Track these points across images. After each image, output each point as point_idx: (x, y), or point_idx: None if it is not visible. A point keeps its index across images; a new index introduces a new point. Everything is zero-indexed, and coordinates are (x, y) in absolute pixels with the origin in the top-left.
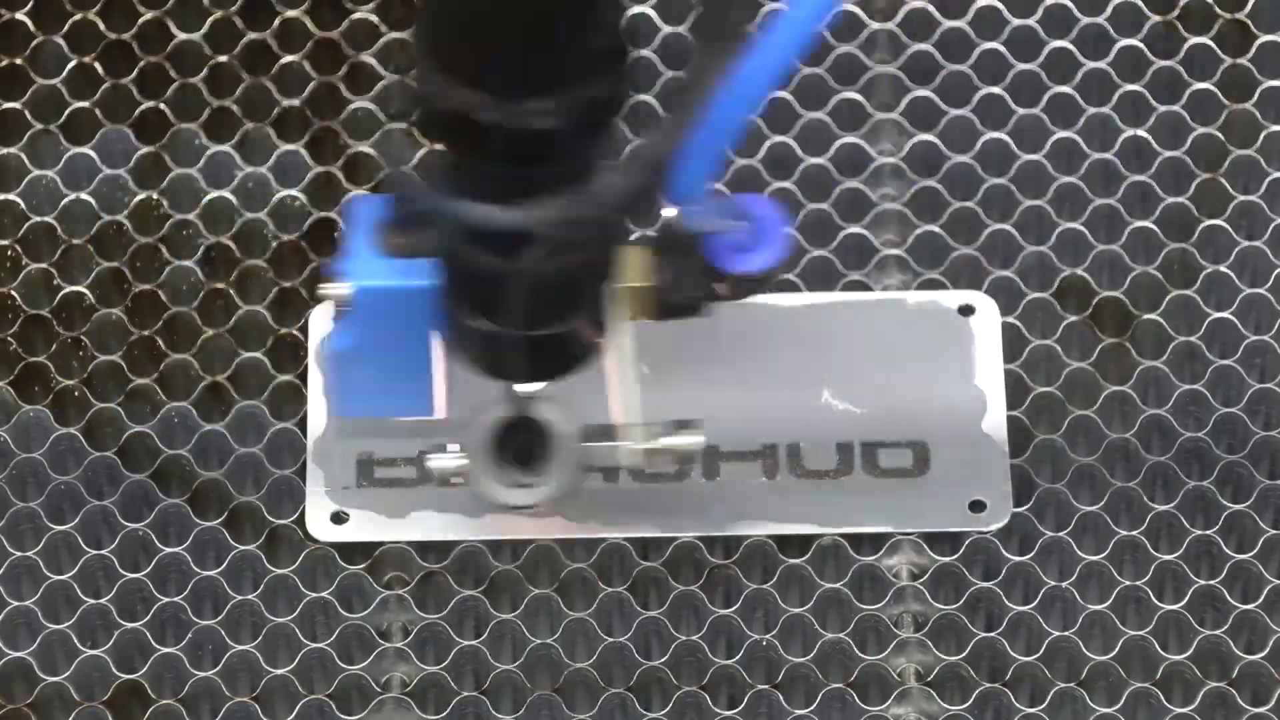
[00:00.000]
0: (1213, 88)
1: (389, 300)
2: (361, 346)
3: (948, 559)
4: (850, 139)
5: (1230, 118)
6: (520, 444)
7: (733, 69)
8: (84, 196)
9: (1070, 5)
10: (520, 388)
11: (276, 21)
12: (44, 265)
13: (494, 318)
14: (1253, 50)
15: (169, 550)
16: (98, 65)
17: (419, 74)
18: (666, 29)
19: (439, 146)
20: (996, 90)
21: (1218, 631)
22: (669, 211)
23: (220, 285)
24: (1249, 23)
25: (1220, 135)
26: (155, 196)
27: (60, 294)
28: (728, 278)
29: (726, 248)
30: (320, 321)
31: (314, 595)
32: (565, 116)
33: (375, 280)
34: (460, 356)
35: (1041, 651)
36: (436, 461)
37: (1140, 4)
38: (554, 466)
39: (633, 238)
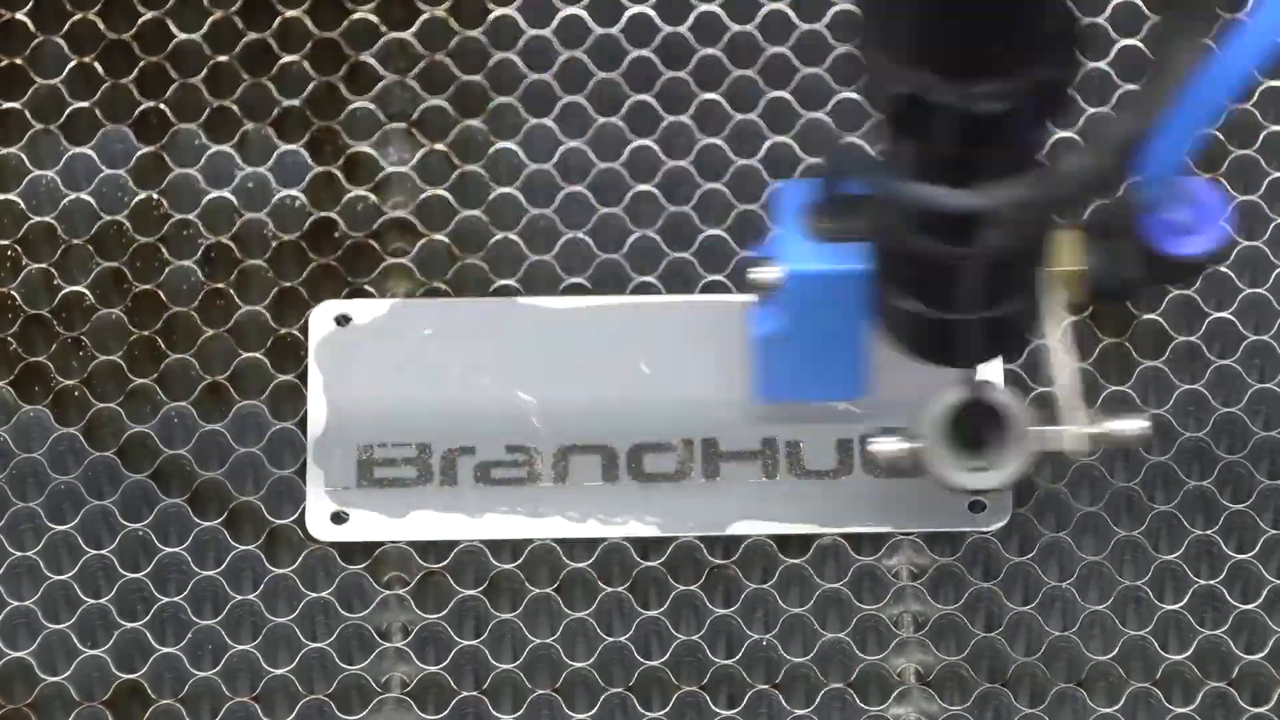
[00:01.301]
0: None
1: (819, 284)
2: (790, 331)
3: (948, 559)
4: (850, 140)
5: (1230, 118)
6: (972, 427)
7: (1211, 50)
8: (84, 196)
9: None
10: (970, 372)
11: (276, 21)
12: (44, 265)
13: (934, 301)
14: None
15: (169, 550)
16: (98, 65)
17: (868, 56)
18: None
19: (884, 128)
20: None
21: (1218, 631)
22: (1126, 194)
23: (220, 285)
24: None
25: (1220, 135)
26: (155, 196)
27: (60, 294)
28: (1164, 261)
29: (1164, 230)
30: (321, 321)
31: (314, 595)
32: (1017, 99)
33: (806, 264)
34: (892, 340)
35: (1041, 651)
36: (879, 446)
37: (1140, 4)
38: (1008, 450)
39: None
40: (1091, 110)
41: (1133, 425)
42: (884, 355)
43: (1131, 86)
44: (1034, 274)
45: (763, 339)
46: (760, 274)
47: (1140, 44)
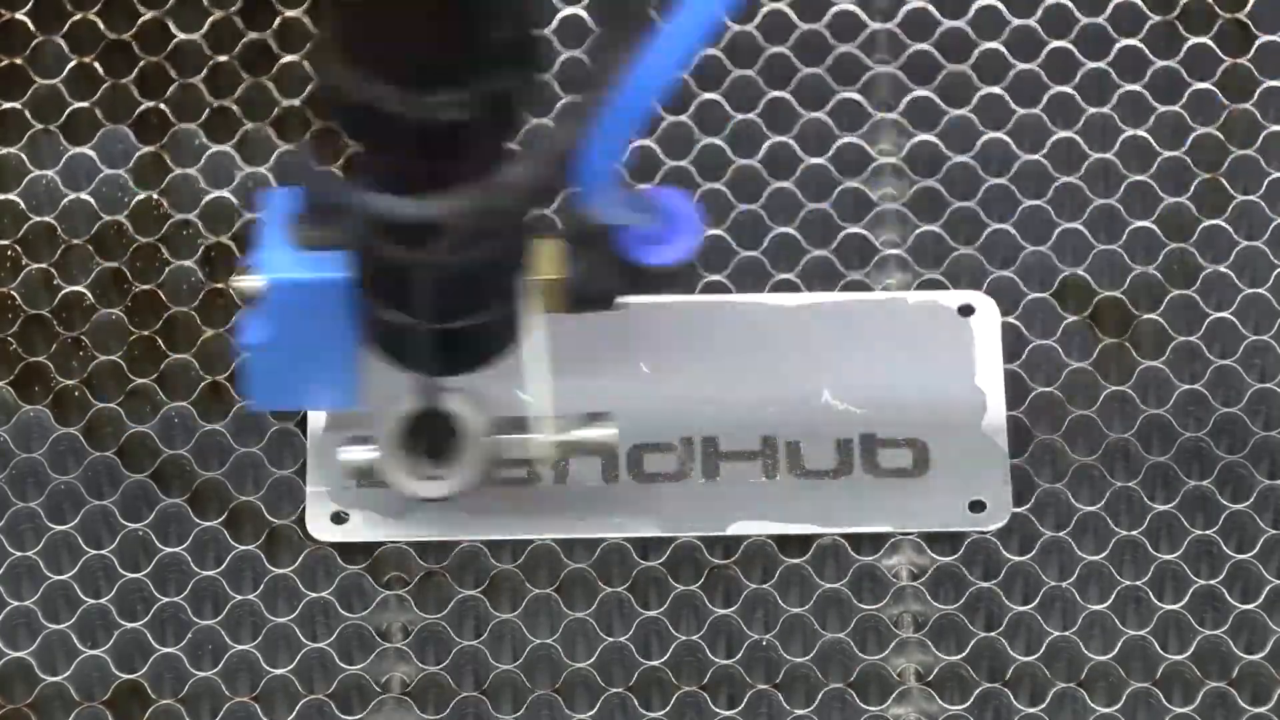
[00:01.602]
0: (1213, 88)
1: (304, 292)
2: (279, 339)
3: (948, 559)
4: (850, 139)
5: (1230, 118)
6: (430, 436)
7: (635, 56)
8: (84, 196)
9: (1070, 5)
10: (430, 380)
11: (276, 21)
12: (44, 265)
13: (406, 310)
14: (1253, 50)
15: (169, 550)
16: (98, 65)
17: (325, 66)
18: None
19: (342, 134)
20: (996, 90)
21: (1218, 631)
22: (579, 203)
23: (220, 285)
24: (1249, 23)
25: (1220, 135)
26: (155, 196)
27: (60, 294)
28: (639, 270)
29: (638, 240)
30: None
31: (314, 595)
32: (473, 109)
33: (289, 273)
34: (373, 349)
35: (1041, 651)
36: (347, 455)
37: (1140, 4)
38: (463, 459)
39: (545, 231)
40: (1092, 110)
41: (601, 432)
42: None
43: (1132, 87)
44: (509, 284)
45: (252, 347)
46: (243, 282)
47: (1140, 44)
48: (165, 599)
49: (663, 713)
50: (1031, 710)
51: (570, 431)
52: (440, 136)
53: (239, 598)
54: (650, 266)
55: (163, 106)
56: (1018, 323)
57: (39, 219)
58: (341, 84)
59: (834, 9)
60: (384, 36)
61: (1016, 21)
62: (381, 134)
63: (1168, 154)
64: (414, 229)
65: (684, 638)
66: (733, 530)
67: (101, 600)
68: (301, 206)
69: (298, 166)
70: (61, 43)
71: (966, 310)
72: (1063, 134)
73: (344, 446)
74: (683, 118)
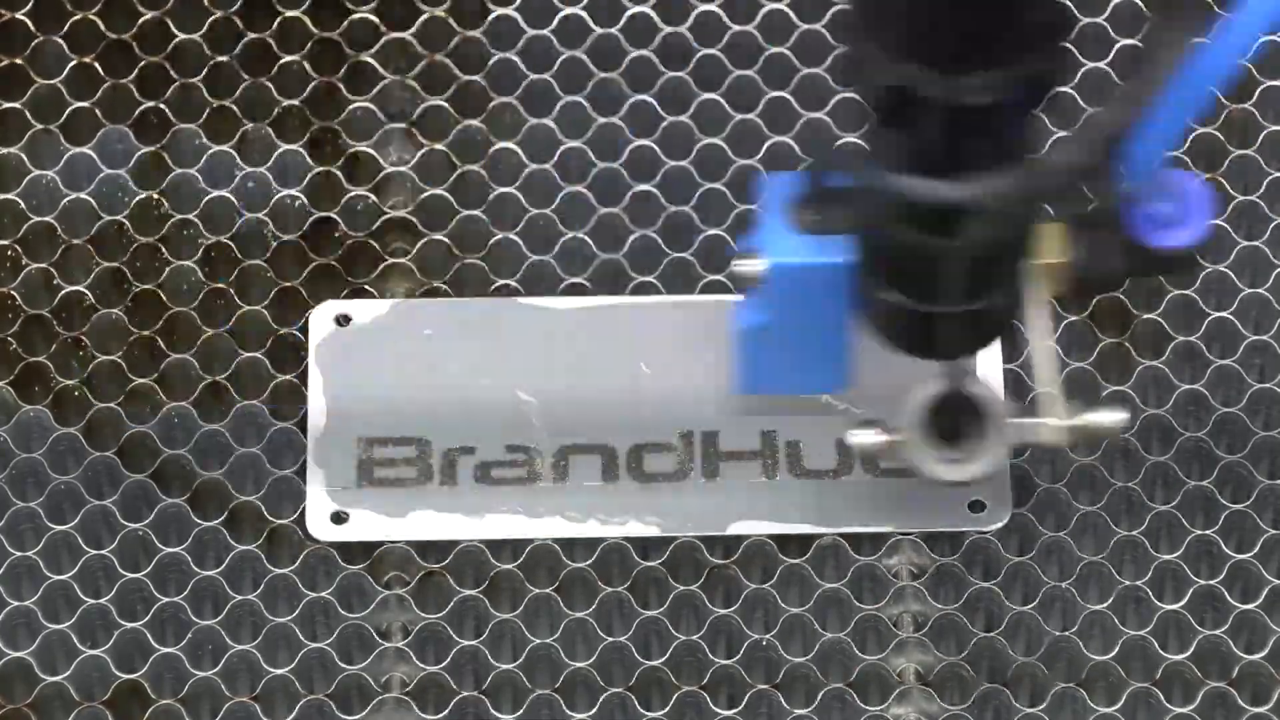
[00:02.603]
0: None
1: (803, 277)
2: (774, 323)
3: (947, 559)
4: (850, 139)
5: (1230, 118)
6: (952, 419)
7: (1194, 44)
8: (84, 196)
9: (1070, 5)
10: (956, 363)
11: (276, 22)
12: (44, 265)
13: (917, 293)
14: (1253, 50)
15: (169, 550)
16: (98, 65)
17: (855, 47)
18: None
19: (871, 119)
20: None
21: (1218, 631)
22: (1105, 186)
23: (220, 285)
24: None
25: (1220, 135)
26: (155, 196)
27: (60, 294)
28: (1148, 253)
29: (1148, 223)
30: (321, 321)
31: (314, 595)
32: (1004, 91)
33: (790, 256)
34: (875, 332)
35: (1041, 651)
36: (858, 438)
37: (1140, 4)
38: (985, 442)
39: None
40: (1092, 110)
41: (1110, 417)
42: (869, 348)
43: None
44: (1018, 266)
45: (745, 331)
46: (744, 266)
47: (1140, 44)
48: (165, 599)
49: (663, 713)
50: (1031, 710)
51: (1082, 415)
52: (971, 118)
53: (239, 598)
54: (1159, 249)
55: (163, 106)
56: (1017, 323)
57: (39, 219)
58: (873, 64)
59: (834, 9)
60: (919, 17)
61: None
62: (910, 116)
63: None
64: (940, 213)
65: (684, 638)
66: (733, 530)
67: (101, 600)
68: (805, 190)
69: (824, 151)
70: (61, 43)
71: None
72: (1063, 134)
73: (853, 429)
74: (683, 118)
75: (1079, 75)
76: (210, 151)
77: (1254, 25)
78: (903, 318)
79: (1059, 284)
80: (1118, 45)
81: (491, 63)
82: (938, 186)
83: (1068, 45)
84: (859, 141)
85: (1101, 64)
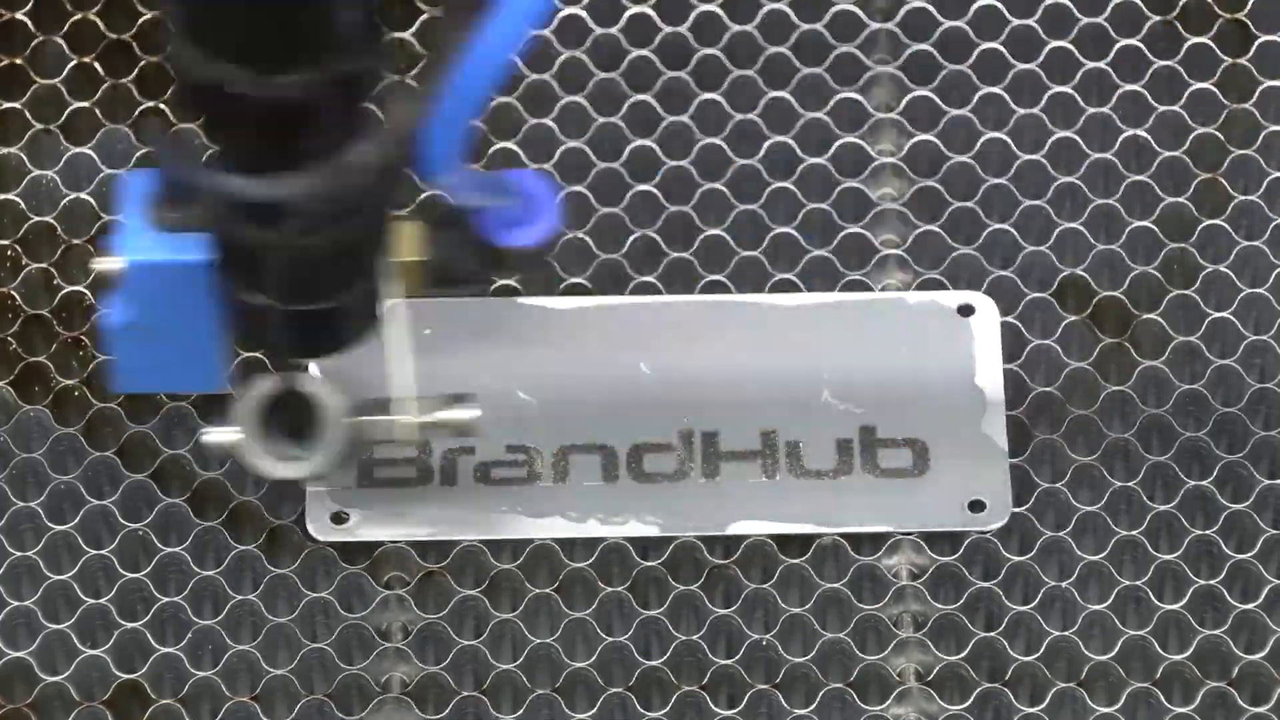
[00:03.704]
0: (1213, 88)
1: (164, 275)
2: (142, 321)
3: (947, 559)
4: (850, 139)
5: (1230, 118)
6: (290, 417)
7: (471, 41)
8: (84, 196)
9: (1070, 5)
10: (288, 362)
11: None
12: (44, 265)
13: (263, 291)
14: (1253, 50)
15: (169, 550)
16: (98, 65)
17: (173, 46)
18: (667, 29)
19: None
20: (996, 90)
21: (1218, 631)
22: (436, 186)
23: None
24: (1249, 23)
25: (1220, 135)
26: None
27: (60, 294)
28: (499, 252)
29: (499, 223)
30: None
31: (314, 595)
32: (317, 90)
33: (148, 255)
34: (233, 331)
35: (1041, 651)
36: (210, 437)
37: (1140, 4)
38: (324, 440)
39: (404, 213)
40: (1092, 110)
41: (463, 413)
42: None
43: (1132, 87)
44: (369, 264)
45: (114, 329)
46: (103, 264)
47: (1140, 44)
48: (165, 599)
49: (663, 713)
50: (1031, 710)
51: (433, 412)
52: (288, 117)
53: (239, 598)
54: (509, 249)
55: (163, 106)
56: (1017, 323)
57: (39, 219)
58: (189, 64)
59: (834, 9)
60: (230, 17)
61: (1016, 21)
62: (230, 114)
63: (1168, 154)
64: (265, 209)
65: (684, 638)
66: (733, 530)
67: (101, 600)
68: (160, 188)
69: (157, 148)
70: (61, 43)
71: (966, 310)
72: (1063, 134)
73: (207, 428)
74: (683, 118)
75: (1079, 76)
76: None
77: (518, 17)
78: (254, 316)
79: (416, 282)
80: (1118, 45)
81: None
82: (248, 184)
83: (380, 46)
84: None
85: (1102, 64)
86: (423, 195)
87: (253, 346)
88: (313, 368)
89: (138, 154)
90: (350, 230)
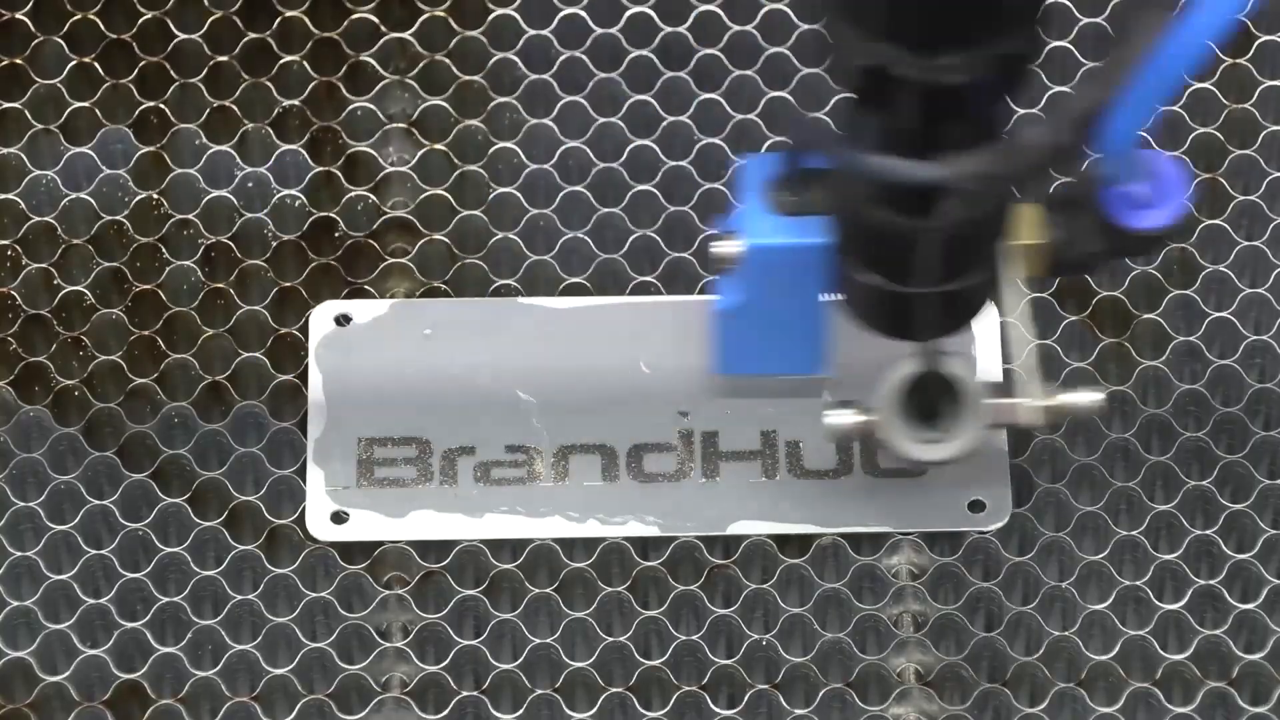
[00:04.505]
0: (1212, 88)
1: (780, 258)
2: (751, 304)
3: (947, 559)
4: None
5: (1230, 118)
6: (927, 399)
7: (1169, 25)
8: (84, 196)
9: (1070, 5)
10: (928, 344)
11: (277, 21)
12: (44, 265)
13: (893, 274)
14: (1253, 50)
15: (169, 550)
16: (98, 65)
17: (831, 27)
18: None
19: (849, 100)
20: None
21: (1218, 631)
22: (1082, 167)
23: (220, 285)
24: (1249, 23)
25: (1220, 135)
26: (155, 196)
27: (60, 294)
28: (1124, 234)
29: (1124, 204)
30: (321, 321)
31: (314, 595)
32: (979, 71)
33: (767, 238)
34: (854, 314)
35: (1041, 651)
36: (833, 418)
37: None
38: (962, 421)
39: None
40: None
41: (1086, 398)
42: (850, 330)
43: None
44: (994, 247)
45: (723, 312)
46: (721, 247)
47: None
48: (165, 599)
49: (663, 712)
50: (1031, 710)
51: (1057, 396)
52: (946, 99)
53: (239, 598)
54: (1135, 230)
55: (163, 106)
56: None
57: (39, 219)
58: (847, 45)
59: None
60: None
61: None
62: (886, 96)
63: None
64: (915, 193)
65: (684, 637)
66: (733, 530)
67: (101, 600)
68: (785, 171)
69: (794, 131)
70: (61, 43)
71: None
72: (1034, 114)
73: (828, 410)
74: (683, 117)
75: (1079, 76)
76: (210, 151)
77: (1224, 6)
78: (879, 299)
79: (1035, 265)
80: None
81: (491, 63)
82: (912, 167)
83: (1040, 28)
84: (827, 119)
85: (1101, 64)
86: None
87: (867, 328)
88: (950, 349)
89: (140, 151)
90: (989, 213)
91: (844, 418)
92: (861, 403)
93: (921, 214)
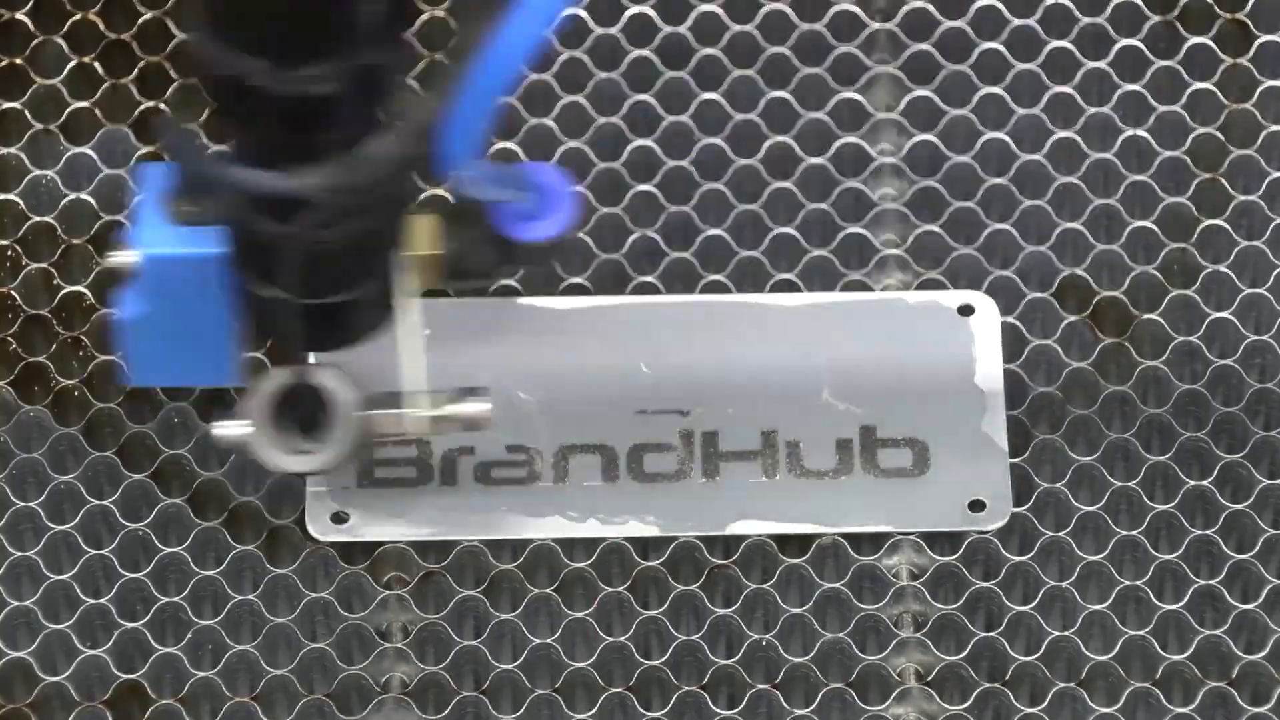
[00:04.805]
0: (1213, 88)
1: (179, 268)
2: (155, 315)
3: (947, 559)
4: (850, 139)
5: (1230, 118)
6: (300, 411)
7: (493, 35)
8: (84, 196)
9: (1070, 5)
10: (299, 355)
11: None
12: (44, 265)
13: (278, 285)
14: (1253, 50)
15: (169, 550)
16: (98, 65)
17: (193, 37)
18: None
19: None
20: (996, 90)
21: (1218, 631)
22: (451, 179)
23: None
24: (1249, 23)
25: (1220, 135)
26: None
27: (60, 294)
28: (514, 245)
29: (514, 216)
30: None
31: (314, 595)
32: (339, 83)
33: (163, 248)
34: (247, 325)
35: (1041, 651)
36: (220, 430)
37: (1140, 4)
38: (334, 433)
39: (420, 207)
40: (1092, 110)
41: (473, 407)
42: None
43: (1132, 87)
44: (384, 258)
45: (127, 323)
46: (116, 258)
47: (1140, 44)
48: (165, 599)
49: (663, 713)
50: (1031, 710)
51: (444, 406)
52: (308, 111)
53: (239, 598)
54: (525, 242)
55: (163, 106)
56: (1018, 323)
57: (39, 219)
58: (209, 57)
59: (834, 9)
60: (252, 9)
61: (1016, 21)
62: (250, 108)
63: (1168, 154)
64: (282, 203)
65: (684, 637)
66: (733, 530)
67: (101, 600)
68: (176, 181)
69: (173, 141)
70: (61, 43)
71: (966, 310)
72: (1063, 134)
73: (217, 422)
74: (683, 118)
75: (1079, 76)
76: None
77: (541, 14)
78: (269, 309)
79: (431, 276)
80: (1118, 45)
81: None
82: (265, 178)
83: (403, 40)
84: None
85: (1102, 64)
86: (435, 190)
87: (265, 340)
88: (320, 361)
89: (140, 151)
90: (367, 224)
91: (230, 429)
92: (246, 412)
93: (288, 223)
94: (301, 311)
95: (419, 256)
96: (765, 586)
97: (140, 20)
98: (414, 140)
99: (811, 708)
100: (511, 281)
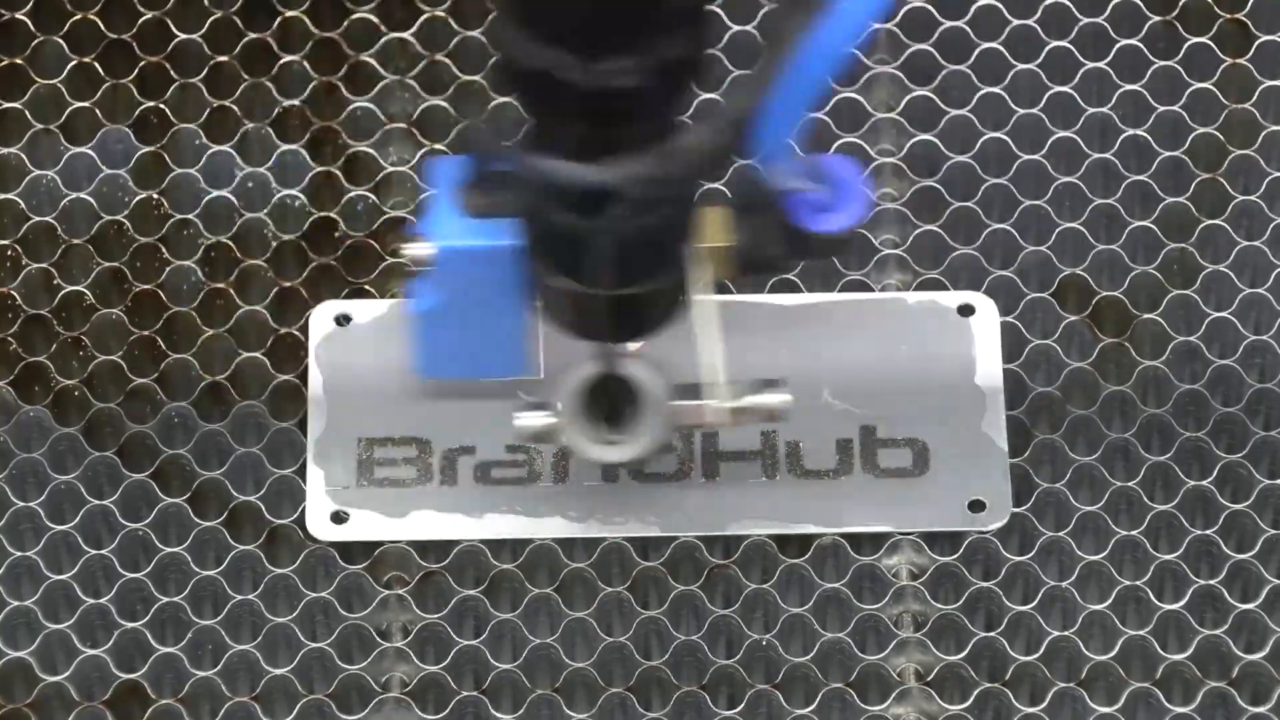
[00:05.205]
0: (1213, 88)
1: (473, 260)
2: (448, 306)
3: (947, 559)
4: (850, 139)
5: (1230, 118)
6: (609, 401)
7: (814, 28)
8: (84, 196)
9: (1070, 5)
10: (607, 346)
11: (276, 21)
12: (44, 265)
13: (577, 277)
14: (1253, 50)
15: (169, 550)
16: (98, 65)
17: (499, 32)
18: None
19: (518, 104)
20: (996, 90)
21: (1218, 631)
22: (748, 171)
23: (220, 285)
24: (1249, 23)
25: (1220, 135)
26: (155, 196)
27: (60, 294)
28: (806, 237)
29: (806, 207)
30: (321, 321)
31: (314, 595)
32: (645, 75)
33: (456, 240)
34: (545, 316)
35: (1041, 651)
36: (523, 420)
37: (1140, 4)
38: (643, 423)
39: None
40: (1092, 110)
41: (774, 398)
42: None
43: (1132, 87)
44: (679, 250)
45: (420, 314)
46: (412, 249)
47: (1140, 44)
48: (165, 599)
49: (663, 713)
50: (1031, 710)
51: (744, 397)
52: (614, 103)
53: (239, 598)
54: (816, 233)
55: (163, 106)
56: (1018, 323)
57: (39, 219)
58: (517, 51)
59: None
60: (559, 3)
61: (1016, 21)
62: (556, 101)
63: (1168, 154)
64: (588, 196)
65: (684, 638)
66: (733, 530)
67: (101, 600)
68: (472, 174)
69: (473, 135)
70: (61, 43)
71: (966, 310)
72: (1063, 134)
73: (519, 411)
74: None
75: (1079, 76)
76: (210, 151)
77: (863, 9)
78: (568, 301)
79: (722, 268)
80: (1118, 45)
81: (491, 63)
82: (575, 170)
83: (707, 34)
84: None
85: (1102, 64)
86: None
87: (562, 331)
88: (630, 351)
89: (140, 151)
90: (668, 216)
91: (533, 419)
92: (551, 404)
93: (594, 217)
94: (603, 302)
95: (711, 248)
96: (765, 586)
97: (140, 20)
98: (725, 133)
99: (811, 708)
100: (791, 276)
